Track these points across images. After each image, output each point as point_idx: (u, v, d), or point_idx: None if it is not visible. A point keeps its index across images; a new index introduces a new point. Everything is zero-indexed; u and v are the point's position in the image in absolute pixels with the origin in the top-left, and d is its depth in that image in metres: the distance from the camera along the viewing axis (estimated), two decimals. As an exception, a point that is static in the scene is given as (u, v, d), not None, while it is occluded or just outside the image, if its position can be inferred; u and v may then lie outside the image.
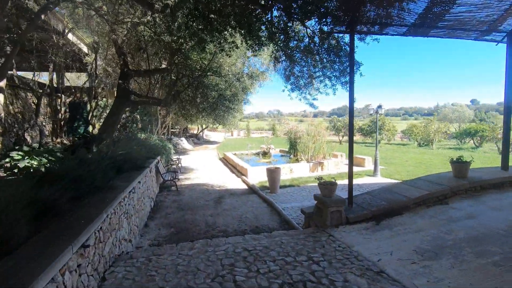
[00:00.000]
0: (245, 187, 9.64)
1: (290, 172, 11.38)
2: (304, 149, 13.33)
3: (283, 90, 7.23)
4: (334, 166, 12.27)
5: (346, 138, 27.56)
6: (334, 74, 6.05)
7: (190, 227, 5.77)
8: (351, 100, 4.93)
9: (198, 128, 33.37)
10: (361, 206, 4.86)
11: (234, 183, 10.24)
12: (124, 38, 8.11)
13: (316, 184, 4.90)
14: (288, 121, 14.86)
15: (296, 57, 6.42)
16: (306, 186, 9.28)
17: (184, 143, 25.13)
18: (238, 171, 12.03)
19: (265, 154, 15.56)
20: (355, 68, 5.29)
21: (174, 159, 13.72)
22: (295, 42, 5.86)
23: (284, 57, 6.51)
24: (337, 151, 13.71)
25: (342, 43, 5.78)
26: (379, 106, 10.15)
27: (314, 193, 4.88)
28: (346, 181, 9.91)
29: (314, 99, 7.02)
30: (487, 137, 23.46)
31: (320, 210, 4.63)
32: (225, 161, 15.45)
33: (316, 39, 5.64)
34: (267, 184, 9.46)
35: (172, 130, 33.99)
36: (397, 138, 32.31)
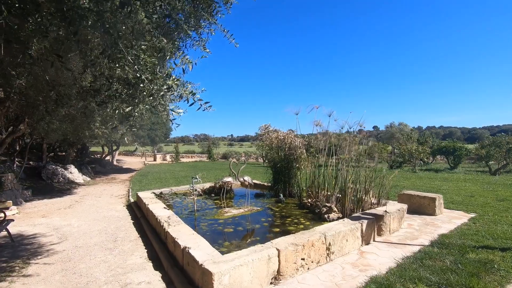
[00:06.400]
0: None
1: (328, 254, 4.08)
2: (319, 185, 6.21)
3: None
4: (398, 222, 5.45)
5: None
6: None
7: None
8: None
9: (104, 150, 23.31)
10: None
11: None
12: None
13: None
14: (270, 126, 7.18)
15: None
16: None
17: (72, 173, 15.31)
18: (174, 263, 4.10)
19: (225, 191, 7.78)
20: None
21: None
22: None
23: None
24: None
25: None
26: None
27: None
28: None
29: None
30: (463, 156, 20.63)
31: None
32: (140, 212, 7.16)
33: None
34: None
35: (61, 153, 23.04)
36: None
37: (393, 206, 5.59)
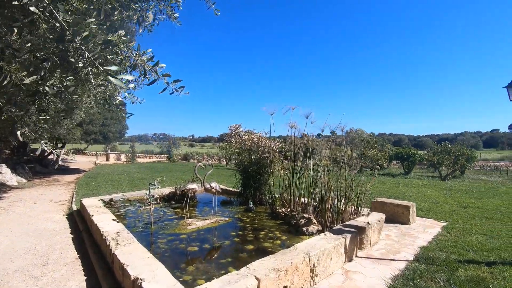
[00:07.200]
0: None
1: (312, 277, 3.49)
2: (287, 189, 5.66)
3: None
4: (378, 233, 5.09)
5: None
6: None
7: None
8: None
9: (43, 146, 20.49)
10: None
11: None
12: None
13: None
14: (240, 127, 6.47)
15: None
16: None
17: (3, 174, 13.07)
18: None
19: (188, 199, 6.84)
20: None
21: None
22: None
23: None
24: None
25: None
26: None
27: None
28: None
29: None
30: (416, 162, 21.95)
31: None
32: (84, 223, 5.97)
33: None
34: None
35: (-8, 150, 19.97)
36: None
37: (372, 217, 5.23)
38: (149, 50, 1.54)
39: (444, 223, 6.33)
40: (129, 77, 1.37)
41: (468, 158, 19.98)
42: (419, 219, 6.73)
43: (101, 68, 1.22)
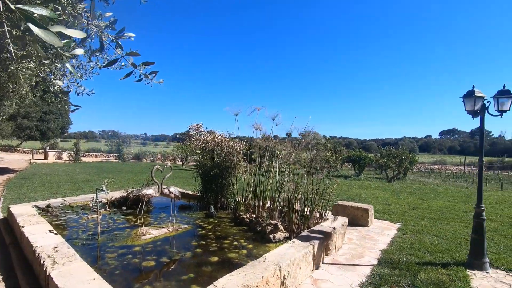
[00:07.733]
0: None
1: (282, 290, 3.26)
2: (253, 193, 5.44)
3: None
4: (342, 238, 5.09)
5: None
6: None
7: None
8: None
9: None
10: None
11: None
12: None
13: None
14: (202, 127, 6.08)
15: None
16: None
17: None
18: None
19: (143, 205, 6.17)
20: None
21: None
22: None
23: None
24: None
25: None
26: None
27: None
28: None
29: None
30: (366, 164, 23.41)
31: None
32: (12, 236, 5.03)
33: None
34: None
35: None
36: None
37: (337, 221, 5.22)
38: (109, 14, 1.11)
39: (398, 225, 6.64)
40: (76, 33, 0.91)
41: (411, 161, 21.86)
42: (376, 221, 6.98)
43: (12, 7, 0.74)
